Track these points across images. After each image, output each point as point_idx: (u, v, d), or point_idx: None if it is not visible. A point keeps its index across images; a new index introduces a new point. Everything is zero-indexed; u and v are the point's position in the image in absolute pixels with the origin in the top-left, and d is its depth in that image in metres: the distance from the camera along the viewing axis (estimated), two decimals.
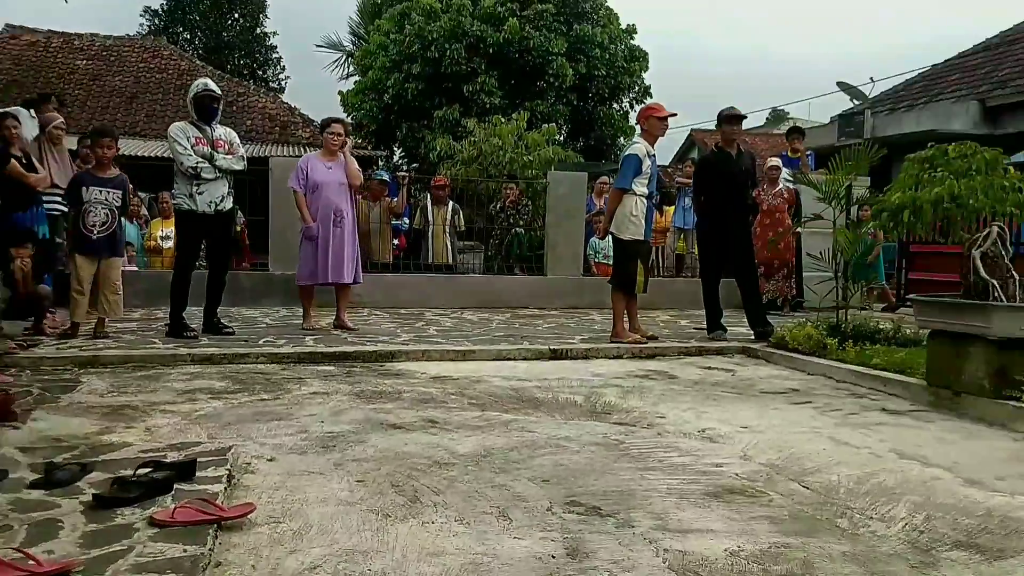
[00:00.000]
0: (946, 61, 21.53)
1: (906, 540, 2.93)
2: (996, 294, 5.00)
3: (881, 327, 7.47)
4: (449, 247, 11.43)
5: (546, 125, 17.78)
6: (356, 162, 8.12)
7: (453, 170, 15.64)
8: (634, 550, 2.77)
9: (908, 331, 7.11)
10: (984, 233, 5.14)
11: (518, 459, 3.85)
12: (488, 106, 21.46)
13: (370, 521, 3.00)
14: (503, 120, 16.29)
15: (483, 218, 12.79)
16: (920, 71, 22.12)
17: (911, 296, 6.11)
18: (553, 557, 2.71)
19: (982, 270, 5.04)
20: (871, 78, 29.16)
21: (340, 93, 26.37)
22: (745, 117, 8.05)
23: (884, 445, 4.29)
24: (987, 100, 18.11)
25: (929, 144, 5.60)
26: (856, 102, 22.32)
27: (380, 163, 20.91)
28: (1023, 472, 3.87)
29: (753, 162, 8.34)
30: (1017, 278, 5.14)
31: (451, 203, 11.65)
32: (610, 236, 7.78)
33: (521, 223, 12.17)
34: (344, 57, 29.59)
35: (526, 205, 12.52)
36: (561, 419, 4.73)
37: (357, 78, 26.42)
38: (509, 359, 6.82)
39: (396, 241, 11.69)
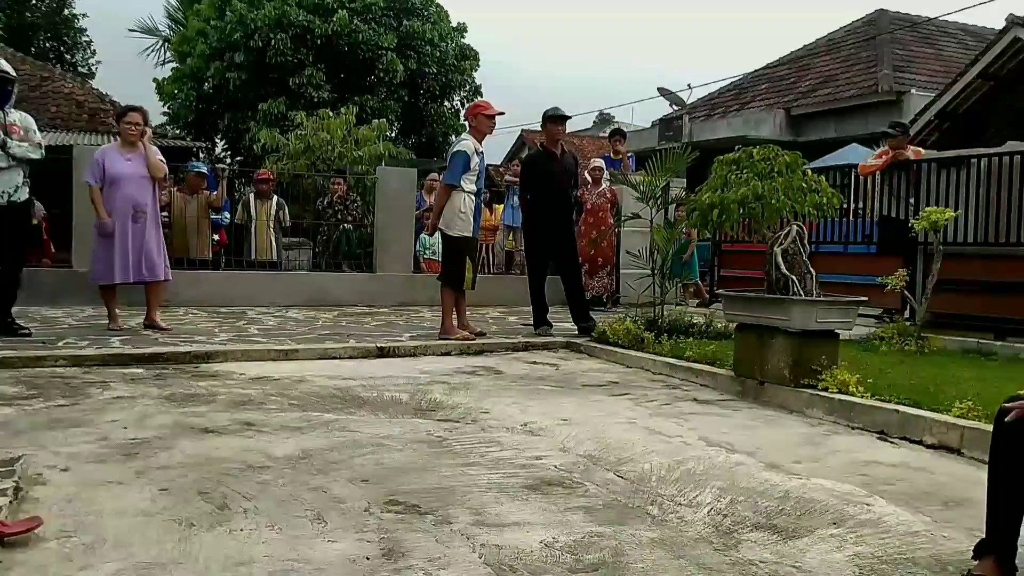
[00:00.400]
0: (755, 71, 22.94)
1: (711, 524, 3.06)
2: (795, 289, 5.34)
3: (695, 321, 7.85)
4: (273, 243, 11.06)
5: (377, 120, 17.54)
6: (159, 153, 7.68)
7: (280, 164, 15.14)
8: (451, 547, 2.75)
9: (719, 325, 7.50)
10: (785, 232, 5.49)
11: (338, 460, 3.75)
12: (316, 99, 20.97)
13: (172, 531, 2.82)
14: (332, 114, 15.94)
15: (311, 214, 12.47)
16: (733, 80, 23.46)
17: (720, 291, 6.43)
18: (368, 559, 2.64)
19: (783, 266, 5.38)
20: (689, 85, 30.61)
21: (155, 81, 25.05)
22: (569, 118, 8.24)
23: (694, 433, 4.49)
24: (792, 109, 19.44)
25: (736, 147, 5.91)
26: (675, 107, 23.39)
27: (201, 155, 19.96)
28: (817, 455, 4.14)
29: (576, 162, 8.55)
30: (814, 274, 5.52)
31: (275, 198, 11.27)
32: (439, 232, 7.76)
33: (350, 219, 11.96)
34: (160, 43, 28.08)
35: (355, 201, 12.31)
36: (385, 418, 4.65)
37: (175, 65, 25.15)
38: (334, 358, 6.67)
39: (216, 237, 11.20)
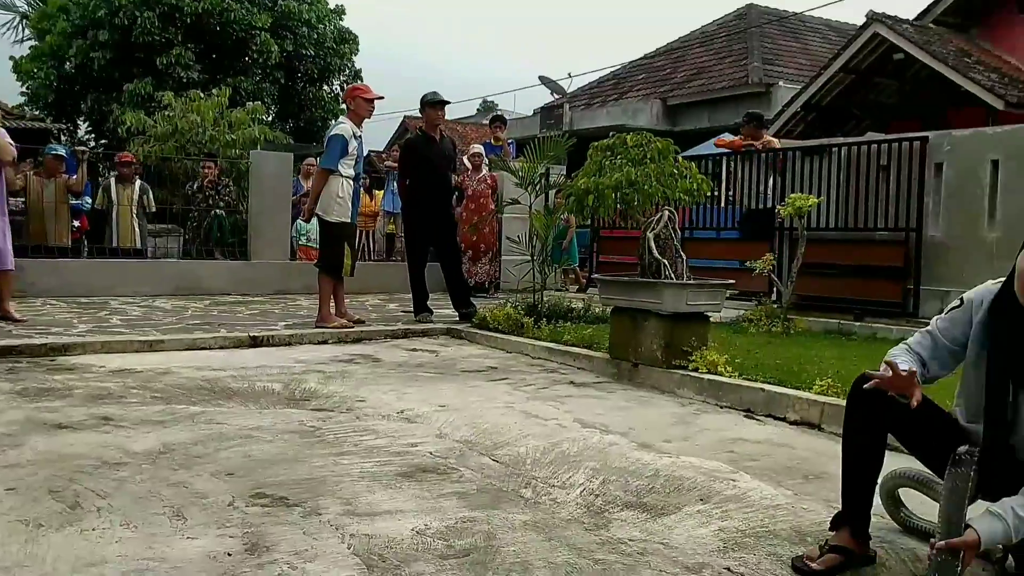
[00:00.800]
0: (633, 62, 23.40)
1: (583, 504, 3.08)
2: (667, 273, 5.46)
3: (574, 306, 7.95)
4: (137, 230, 10.55)
5: (251, 103, 16.97)
6: (7, 135, 7.18)
7: (147, 147, 14.46)
8: (319, 539, 2.67)
9: (597, 310, 7.61)
10: (657, 217, 5.59)
11: (202, 454, 3.60)
12: (186, 80, 20.13)
13: (19, 532, 2.64)
14: (203, 96, 15.32)
15: (180, 199, 11.97)
16: (612, 69, 23.86)
17: (595, 276, 6.51)
18: (229, 555, 2.53)
19: (655, 251, 5.49)
20: (569, 74, 31.04)
21: (13, 59, 23.51)
22: (448, 103, 8.17)
23: (570, 416, 4.53)
24: (668, 99, 19.93)
25: (611, 134, 5.99)
26: (557, 96, 23.64)
27: (62, 137, 18.86)
28: (687, 434, 4.25)
29: (455, 147, 8.49)
30: (685, 258, 5.65)
31: (139, 182, 10.75)
32: (315, 218, 7.57)
33: (222, 205, 11.53)
34: (18, 19, 26.34)
35: (227, 186, 11.88)
36: (256, 408, 4.50)
37: (34, 43, 23.67)
38: (204, 349, 6.42)
39: (76, 223, 10.60)
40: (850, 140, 8.87)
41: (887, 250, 7.99)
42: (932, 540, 2.24)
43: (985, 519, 2.18)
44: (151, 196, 10.84)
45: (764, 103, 17.63)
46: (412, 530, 2.76)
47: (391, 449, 3.76)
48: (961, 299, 2.46)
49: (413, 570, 2.44)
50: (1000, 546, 2.45)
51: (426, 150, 8.00)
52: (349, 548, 2.61)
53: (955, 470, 2.29)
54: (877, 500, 2.68)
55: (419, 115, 8.53)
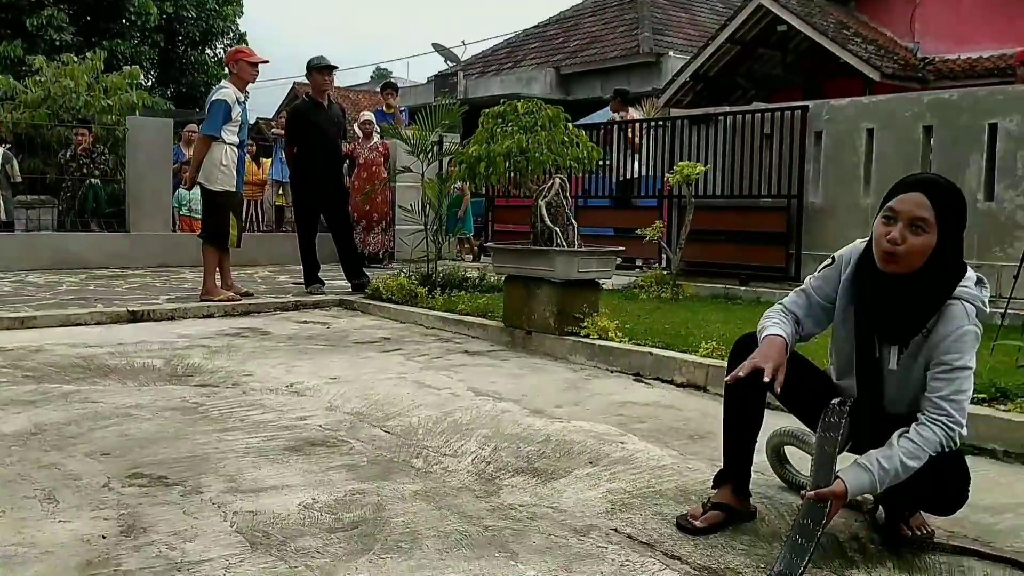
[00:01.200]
0: (527, 30, 23.36)
1: (474, 472, 3.08)
2: (559, 240, 5.48)
3: (469, 276, 7.92)
4: (1, 201, 9.94)
5: (129, 68, 16.16)
6: None
7: (16, 114, 13.60)
8: (199, 518, 2.58)
9: (492, 279, 7.61)
10: (548, 184, 5.60)
11: (76, 434, 3.42)
12: (58, 43, 19.03)
13: None
14: (76, 60, 14.49)
15: (53, 168, 11.33)
16: (505, 37, 23.77)
17: (488, 244, 6.50)
18: (104, 537, 2.42)
19: (547, 218, 5.50)
20: (463, 41, 30.75)
21: None
22: (335, 67, 7.95)
23: (463, 385, 4.52)
24: (561, 68, 20.01)
25: (502, 100, 5.95)
26: (451, 64, 23.39)
27: None
28: (578, 399, 4.30)
29: (344, 113, 8.30)
30: (576, 225, 5.69)
31: (2, 150, 10.12)
32: (198, 187, 7.28)
33: (97, 173, 10.98)
34: None
35: (103, 154, 11.31)
36: (134, 386, 4.31)
37: None
38: (79, 324, 6.12)
39: None
40: (735, 109, 9.10)
41: (770, 216, 8.26)
42: (803, 492, 2.33)
43: (852, 470, 2.27)
44: (15, 165, 10.24)
45: (655, 73, 17.93)
46: (299, 505, 2.70)
47: (279, 423, 3.67)
48: (833, 257, 2.54)
49: (299, 545, 2.39)
50: (871, 497, 2.57)
51: (314, 116, 7.79)
52: (232, 526, 2.53)
53: (826, 420, 2.38)
54: (760, 457, 2.77)
55: (307, 81, 8.28)
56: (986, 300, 2.36)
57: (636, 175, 9.82)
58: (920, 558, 2.38)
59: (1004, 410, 3.53)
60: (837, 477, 2.26)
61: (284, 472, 3.03)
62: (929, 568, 2.32)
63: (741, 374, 2.36)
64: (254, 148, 12.88)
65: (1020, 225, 6.47)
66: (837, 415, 2.37)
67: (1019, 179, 6.68)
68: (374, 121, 10.93)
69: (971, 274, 2.35)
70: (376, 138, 10.76)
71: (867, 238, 2.41)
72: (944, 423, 2.26)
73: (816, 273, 2.57)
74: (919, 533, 2.49)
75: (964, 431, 2.31)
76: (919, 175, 2.40)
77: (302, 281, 8.07)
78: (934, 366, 2.31)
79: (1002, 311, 5.38)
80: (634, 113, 10.74)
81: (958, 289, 2.31)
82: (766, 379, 2.33)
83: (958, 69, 14.43)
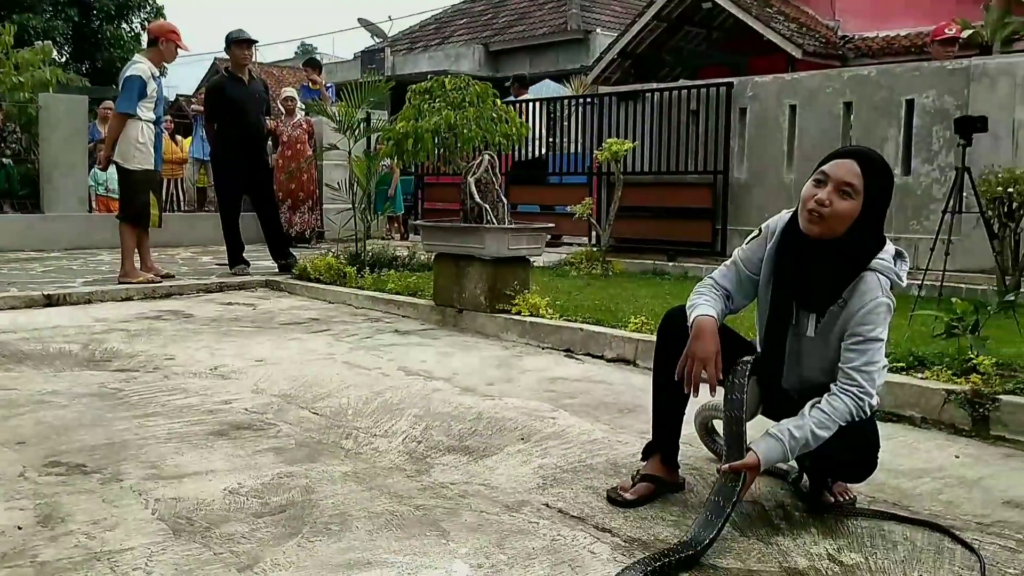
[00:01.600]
0: (454, 6, 23.14)
1: (405, 452, 3.05)
2: (488, 217, 5.45)
3: (398, 255, 7.84)
4: None
5: (41, 43, 15.50)
6: None
7: None
8: (120, 506, 2.49)
9: (423, 257, 7.54)
10: (478, 161, 5.56)
11: None
12: None
13: None
14: None
15: None
16: (433, 13, 23.50)
17: (416, 222, 6.44)
18: (19, 528, 2.32)
19: (476, 195, 5.46)
20: (390, 17, 30.33)
21: None
22: (255, 41, 7.75)
23: (393, 364, 4.47)
24: (490, 45, 19.89)
25: (429, 76, 5.87)
26: (377, 40, 23.04)
27: None
28: (510, 376, 4.29)
29: (266, 88, 8.09)
30: (506, 202, 5.67)
31: None
32: (113, 167, 7.03)
33: (9, 153, 10.52)
34: None
35: (14, 132, 10.83)
36: (50, 372, 4.15)
37: None
38: None
39: None
40: (662, 86, 9.17)
41: (697, 192, 8.37)
42: (718, 466, 2.36)
43: (764, 441, 2.31)
44: None
45: (583, 50, 17.95)
46: (224, 490, 2.63)
47: (203, 408, 3.57)
48: (760, 228, 2.57)
49: (224, 531, 2.33)
50: (796, 466, 2.62)
51: (234, 92, 7.57)
52: (154, 513, 2.45)
53: (730, 382, 2.40)
54: (689, 429, 2.80)
55: (227, 56, 8.05)
56: (903, 274, 2.41)
57: (538, 155, 10.12)
58: (843, 523, 2.44)
59: (921, 378, 3.65)
60: (749, 449, 2.29)
61: (208, 457, 2.95)
62: (851, 533, 2.38)
63: (687, 389, 2.41)
64: (172, 125, 12.50)
65: (935, 199, 6.68)
66: (740, 376, 2.39)
67: (934, 154, 6.89)
68: (296, 97, 10.69)
69: (890, 247, 2.41)
70: (299, 115, 10.53)
71: (793, 208, 2.45)
72: (855, 393, 2.31)
73: (744, 245, 2.59)
74: (842, 499, 2.55)
75: (875, 401, 2.36)
76: (855, 146, 2.48)
77: (226, 262, 7.88)
78: (848, 337, 2.36)
79: (919, 283, 5.56)
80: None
81: (875, 261, 2.36)
82: (711, 394, 2.40)
83: (876, 47, 14.79)
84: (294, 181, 10.18)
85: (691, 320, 2.45)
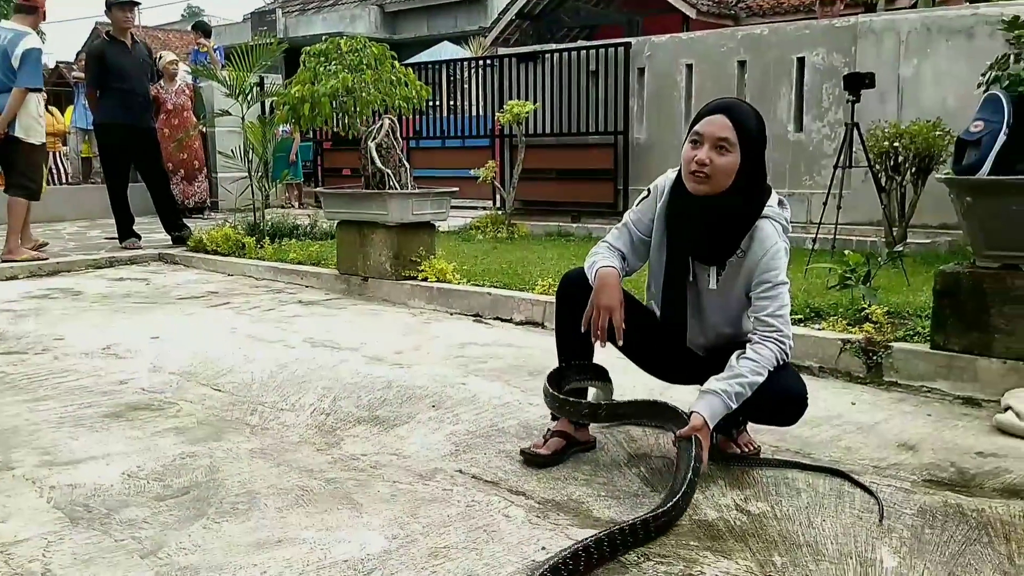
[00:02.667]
0: None
1: (313, 425, 2.98)
2: (391, 183, 5.35)
3: (299, 223, 7.66)
4: None
5: None
6: None
7: None
8: (12, 495, 2.36)
9: (324, 225, 7.38)
10: (378, 125, 5.44)
11: None
12: None
13: None
14: None
15: None
16: None
17: (317, 190, 6.29)
18: None
19: (377, 160, 5.35)
20: None
21: None
22: (138, 2, 7.37)
23: (298, 336, 4.37)
24: (386, 6, 19.47)
25: (324, 38, 5.70)
26: (268, 1, 22.30)
27: None
28: (418, 344, 4.25)
29: (150, 53, 7.71)
30: (408, 167, 5.57)
31: None
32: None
33: None
34: None
35: None
36: None
37: None
38: None
39: None
40: (561, 47, 9.14)
41: (599, 153, 8.41)
42: (673, 440, 2.38)
43: (702, 400, 2.33)
44: None
45: (480, 11, 17.77)
46: (123, 474, 2.52)
47: (97, 389, 3.42)
48: (648, 189, 2.59)
49: (124, 516, 2.23)
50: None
51: (116, 57, 7.20)
52: (49, 502, 2.33)
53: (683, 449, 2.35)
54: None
55: (108, 19, 7.62)
56: (788, 219, 2.48)
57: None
58: (748, 474, 2.51)
59: (818, 328, 3.77)
60: (693, 412, 2.32)
61: (105, 440, 2.82)
62: (757, 482, 2.45)
63: (597, 339, 2.44)
64: (45, 95, 11.82)
65: (826, 154, 6.89)
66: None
67: (824, 110, 7.09)
68: (178, 61, 10.23)
69: (774, 195, 2.46)
70: (180, 81, 10.07)
71: (678, 167, 2.47)
72: (776, 338, 2.37)
73: (634, 207, 2.60)
74: (747, 450, 2.62)
75: (792, 342, 2.43)
76: (720, 99, 2.47)
77: (116, 236, 7.54)
78: (756, 286, 2.40)
79: (813, 236, 5.74)
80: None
81: (765, 208, 2.41)
82: (618, 340, 2.43)
83: (767, 7, 15.13)
84: (184, 150, 9.77)
85: (593, 274, 2.46)
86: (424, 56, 13.97)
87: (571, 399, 2.53)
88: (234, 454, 2.69)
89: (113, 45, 7.30)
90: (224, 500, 2.33)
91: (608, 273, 2.44)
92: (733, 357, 2.36)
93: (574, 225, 8.08)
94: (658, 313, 2.61)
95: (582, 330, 2.44)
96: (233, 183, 8.10)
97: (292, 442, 2.81)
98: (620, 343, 2.45)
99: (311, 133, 10.23)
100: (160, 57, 10.19)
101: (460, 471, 2.54)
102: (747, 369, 2.32)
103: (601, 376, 2.66)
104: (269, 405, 3.22)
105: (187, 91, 10.02)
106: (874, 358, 3.49)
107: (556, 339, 2.65)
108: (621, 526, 2.01)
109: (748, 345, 2.37)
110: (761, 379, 2.32)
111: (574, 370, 2.62)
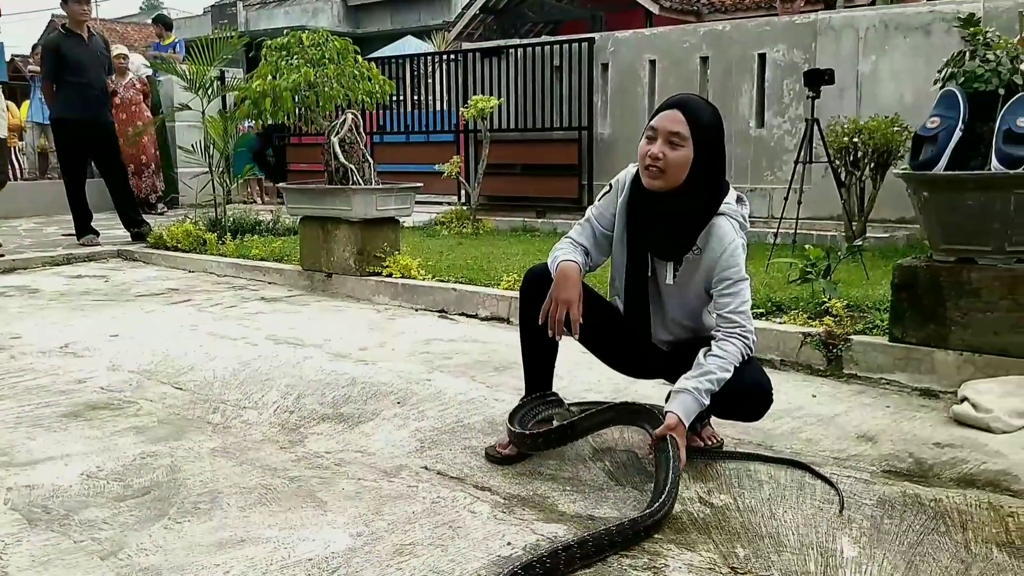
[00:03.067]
0: None
1: (277, 423, 2.95)
2: (354, 178, 5.32)
3: (261, 219, 7.58)
4: None
5: None
6: None
7: None
8: None
9: (288, 221, 7.32)
10: (341, 120, 5.40)
11: None
12: None
13: None
14: None
15: None
16: None
17: (280, 185, 6.24)
18: None
19: (341, 156, 5.31)
20: None
21: None
22: None
23: (260, 333, 4.32)
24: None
25: (286, 32, 5.64)
26: None
27: None
28: (383, 340, 4.22)
29: (107, 46, 7.57)
30: (372, 162, 5.54)
31: None
32: None
33: None
34: None
35: None
36: None
37: None
38: None
39: None
40: (525, 42, 9.14)
41: (563, 149, 8.43)
42: (650, 445, 2.38)
43: (675, 399, 2.34)
44: None
45: (444, 6, 17.71)
46: (81, 474, 2.48)
47: (54, 388, 3.36)
48: (610, 184, 2.59)
49: (84, 518, 2.20)
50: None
51: (72, 50, 7.06)
52: (6, 503, 2.29)
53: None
54: (561, 383, 2.82)
55: (63, 12, 7.48)
56: (746, 216, 2.50)
57: None
58: (712, 467, 2.53)
59: (780, 322, 3.82)
60: (667, 412, 2.32)
61: (63, 441, 2.78)
62: (720, 475, 2.47)
63: (551, 332, 2.41)
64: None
65: (787, 150, 6.96)
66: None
67: (785, 106, 7.17)
68: (128, 55, 10.04)
69: (732, 192, 2.48)
70: (131, 75, 9.89)
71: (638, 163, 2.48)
72: (739, 334, 2.39)
73: (597, 202, 2.61)
74: (710, 443, 2.65)
75: (755, 337, 2.45)
76: (679, 96, 2.47)
77: (73, 232, 7.41)
78: (717, 283, 2.41)
79: (775, 231, 5.80)
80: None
81: (723, 205, 2.43)
82: (574, 333, 2.41)
83: (729, 3, 15.24)
84: (135, 145, 9.59)
85: (555, 268, 2.46)
86: (388, 50, 13.88)
87: (540, 432, 2.48)
88: (195, 453, 2.66)
89: (69, 38, 7.16)
90: (186, 500, 2.30)
91: (568, 267, 2.44)
92: (700, 354, 2.38)
93: (539, 220, 8.09)
94: (622, 308, 2.62)
95: (539, 322, 2.44)
96: (194, 178, 7.98)
97: (255, 440, 2.78)
98: (576, 336, 2.45)
99: (274, 128, 10.12)
100: (113, 50, 10.01)
101: (425, 467, 2.54)
102: (715, 366, 2.33)
103: (554, 403, 2.65)
104: (231, 403, 3.18)
105: (138, 85, 9.82)
106: (834, 351, 3.54)
107: (520, 335, 2.65)
108: (608, 527, 2.00)
109: (713, 342, 2.39)
110: (728, 375, 2.33)
111: (528, 406, 2.61)
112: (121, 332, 4.33)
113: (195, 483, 2.42)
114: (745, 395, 2.42)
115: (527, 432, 2.47)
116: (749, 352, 2.40)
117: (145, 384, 3.42)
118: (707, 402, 2.33)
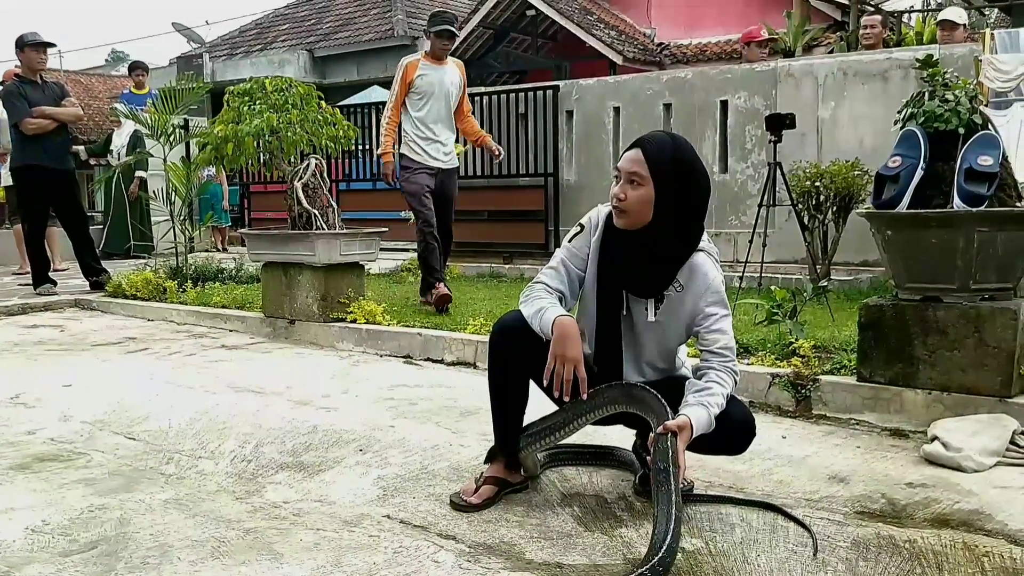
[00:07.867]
0: (276, 11, 22.47)
1: (233, 473, 2.85)
2: (318, 223, 5.26)
3: (224, 267, 7.47)
4: None
5: None
6: None
7: None
8: None
9: (251, 268, 7.21)
10: (304, 165, 5.35)
11: None
12: None
13: None
14: None
15: None
16: (253, 18, 22.72)
17: (242, 231, 6.16)
18: None
19: (304, 201, 5.25)
20: (207, 21, 29.10)
21: None
22: (52, 44, 7.17)
23: (220, 381, 4.21)
24: (315, 50, 19.42)
25: (249, 77, 5.60)
26: (194, 45, 22.08)
27: None
28: (346, 387, 4.13)
29: (64, 93, 7.46)
30: (336, 207, 5.48)
31: None
32: None
33: None
34: None
35: None
36: None
37: None
38: None
39: None
40: (491, 89, 9.20)
41: (529, 195, 8.44)
42: (651, 435, 2.26)
43: (690, 409, 2.25)
44: None
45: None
46: (26, 529, 2.36)
47: (1, 440, 3.23)
48: (580, 224, 2.55)
49: (27, 574, 2.08)
50: (636, 463, 2.64)
51: (31, 95, 6.96)
52: None
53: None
54: None
55: (18, 63, 7.39)
56: (717, 254, 2.49)
57: None
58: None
59: (748, 364, 3.79)
60: (683, 414, 2.23)
61: (8, 494, 2.65)
62: (691, 518, 2.41)
63: (557, 393, 2.33)
64: None
65: (751, 194, 7.02)
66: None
67: (748, 152, 7.25)
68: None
69: (704, 233, 2.47)
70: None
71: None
72: (731, 368, 2.38)
73: (567, 243, 2.53)
74: (681, 486, 2.57)
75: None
76: (642, 136, 2.45)
77: (31, 282, 7.24)
78: (703, 319, 2.38)
79: (740, 274, 5.82)
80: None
81: (701, 242, 2.41)
82: (582, 394, 2.32)
83: (690, 53, 15.53)
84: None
85: (549, 323, 2.33)
86: (355, 99, 13.90)
87: (542, 427, 2.50)
88: (147, 505, 2.54)
89: (26, 85, 7.06)
90: (134, 554, 2.19)
91: (566, 323, 2.32)
92: (697, 381, 2.35)
93: (506, 266, 8.06)
94: (589, 350, 2.55)
95: (544, 384, 2.36)
96: (155, 225, 7.87)
97: (210, 491, 2.67)
98: (584, 396, 2.35)
99: (237, 175, 10.04)
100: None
101: (388, 516, 2.45)
102: (720, 394, 2.30)
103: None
104: (186, 453, 3.07)
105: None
106: (803, 391, 3.51)
107: (489, 386, 2.53)
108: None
109: (706, 376, 2.35)
110: (724, 407, 2.30)
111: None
112: (75, 382, 4.19)
113: (145, 536, 2.30)
114: (734, 427, 2.37)
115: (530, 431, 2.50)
116: (735, 384, 2.39)
117: (97, 435, 3.30)
118: (714, 424, 2.27)
